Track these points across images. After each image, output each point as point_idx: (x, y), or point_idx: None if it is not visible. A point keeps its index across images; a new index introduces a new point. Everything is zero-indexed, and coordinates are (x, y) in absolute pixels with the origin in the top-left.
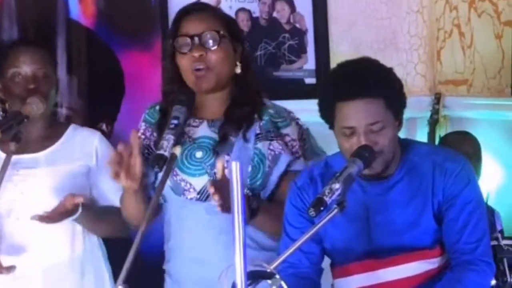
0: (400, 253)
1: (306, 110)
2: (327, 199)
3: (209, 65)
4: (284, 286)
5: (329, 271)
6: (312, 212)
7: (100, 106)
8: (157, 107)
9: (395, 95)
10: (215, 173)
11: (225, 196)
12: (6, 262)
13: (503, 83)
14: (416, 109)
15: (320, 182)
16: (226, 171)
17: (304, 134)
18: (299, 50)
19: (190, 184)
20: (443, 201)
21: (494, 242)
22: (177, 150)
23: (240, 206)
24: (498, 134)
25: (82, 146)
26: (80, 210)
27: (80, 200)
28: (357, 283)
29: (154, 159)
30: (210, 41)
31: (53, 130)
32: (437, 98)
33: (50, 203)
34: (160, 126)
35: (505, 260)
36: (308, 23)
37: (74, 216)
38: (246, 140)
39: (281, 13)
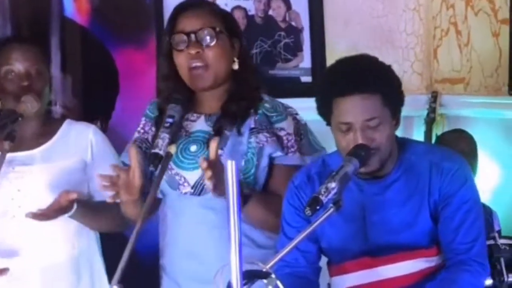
0: (397, 251)
1: (302, 109)
2: (323, 198)
3: (206, 62)
4: (280, 286)
5: (326, 270)
6: (308, 211)
7: (94, 104)
8: (157, 103)
9: (393, 92)
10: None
11: (218, 177)
12: (1, 264)
13: (500, 81)
14: (413, 107)
15: (318, 180)
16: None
17: (301, 129)
18: (295, 48)
19: (184, 178)
20: (439, 200)
21: (491, 242)
22: (172, 149)
23: (236, 205)
24: (495, 133)
25: (77, 140)
26: (75, 206)
27: (74, 196)
28: (354, 281)
29: (149, 158)
30: (207, 38)
31: (48, 127)
32: (434, 97)
33: (46, 200)
34: (157, 123)
35: (502, 260)
36: (304, 21)
37: (70, 213)
38: (240, 133)
39: (277, 11)
